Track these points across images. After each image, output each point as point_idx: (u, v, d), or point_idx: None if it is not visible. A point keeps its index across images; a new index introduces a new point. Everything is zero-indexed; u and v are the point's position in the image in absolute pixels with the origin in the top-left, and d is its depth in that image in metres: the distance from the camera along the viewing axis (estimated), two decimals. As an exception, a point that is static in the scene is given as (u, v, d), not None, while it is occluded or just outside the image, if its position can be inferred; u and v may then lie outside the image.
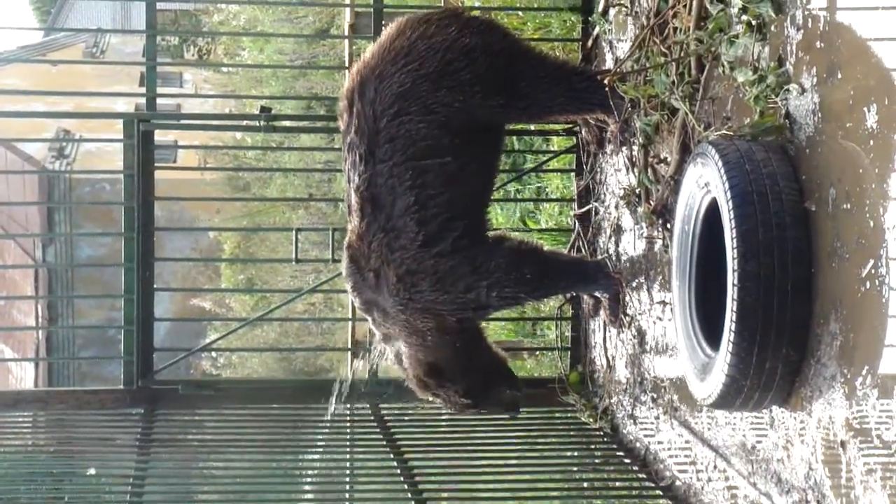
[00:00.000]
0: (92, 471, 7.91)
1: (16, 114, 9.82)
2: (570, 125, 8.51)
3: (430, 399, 7.38)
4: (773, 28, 5.39)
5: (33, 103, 18.50)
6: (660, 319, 7.02)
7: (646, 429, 7.41)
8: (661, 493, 7.12)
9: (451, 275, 6.92)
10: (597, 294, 7.83)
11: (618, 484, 7.68)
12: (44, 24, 46.49)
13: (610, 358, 7.99)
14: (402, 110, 6.71)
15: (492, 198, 7.72)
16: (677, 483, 6.94)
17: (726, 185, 5.08)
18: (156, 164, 8.47)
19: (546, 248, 7.63)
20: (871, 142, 4.58)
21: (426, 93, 6.76)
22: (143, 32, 9.02)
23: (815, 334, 4.96)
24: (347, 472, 8.03)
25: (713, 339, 5.38)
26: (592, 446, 8.12)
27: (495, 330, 11.18)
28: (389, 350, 7.33)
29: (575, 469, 8.05)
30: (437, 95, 6.76)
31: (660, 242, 6.95)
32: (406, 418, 8.48)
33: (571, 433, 8.37)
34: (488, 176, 7.35)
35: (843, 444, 4.79)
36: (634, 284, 7.41)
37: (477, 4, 10.53)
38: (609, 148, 7.83)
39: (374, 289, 6.99)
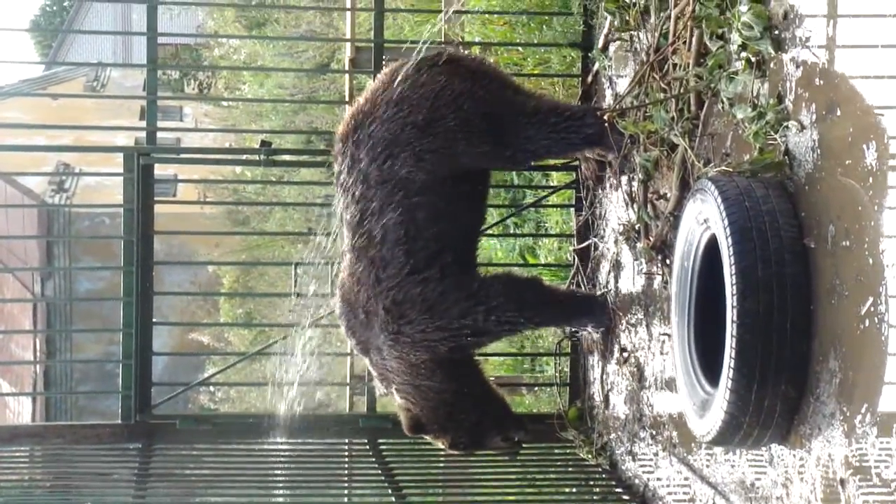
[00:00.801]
0: (89, 506, 7.88)
1: (16, 147, 9.81)
2: (570, 160, 8.52)
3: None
4: (772, 65, 5.40)
5: (34, 137, 18.53)
6: (659, 355, 7.00)
7: (645, 465, 7.38)
8: (659, 530, 7.10)
9: (443, 301, 6.97)
10: (589, 328, 7.87)
11: (616, 521, 7.67)
12: (45, 58, 46.61)
13: (609, 394, 7.97)
14: (392, 155, 6.82)
15: (483, 232, 7.78)
16: (676, 520, 6.91)
17: (726, 222, 5.08)
18: (155, 198, 8.48)
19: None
20: (871, 179, 4.58)
21: (415, 139, 6.87)
22: (143, 66, 9.04)
23: (814, 372, 4.95)
24: (345, 506, 8.02)
25: (712, 375, 5.37)
26: (591, 482, 8.10)
27: (494, 365, 11.15)
28: (383, 388, 7.37)
29: (573, 505, 8.03)
30: (425, 142, 6.86)
31: (659, 278, 6.95)
32: (404, 453, 8.45)
33: (570, 469, 8.35)
34: (477, 212, 7.44)
35: (842, 482, 4.77)
36: (633, 321, 7.40)
37: (477, 39, 10.56)
38: (607, 183, 7.83)
39: (366, 327, 7.04)
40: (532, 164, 8.37)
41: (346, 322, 7.17)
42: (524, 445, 7.92)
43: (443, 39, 10.67)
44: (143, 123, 8.88)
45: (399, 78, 6.96)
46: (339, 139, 7.06)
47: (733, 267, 4.98)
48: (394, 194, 6.85)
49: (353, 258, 7.02)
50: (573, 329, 8.38)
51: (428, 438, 7.45)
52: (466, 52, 9.19)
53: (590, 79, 8.43)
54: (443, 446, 7.44)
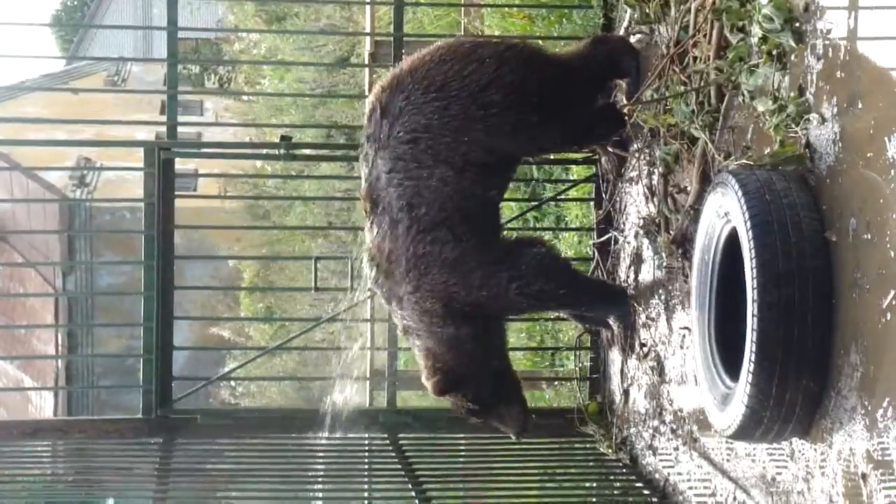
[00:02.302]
0: (111, 501, 7.91)
1: (37, 142, 9.85)
2: (590, 154, 8.51)
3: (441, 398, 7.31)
4: (793, 58, 5.38)
5: (55, 131, 18.61)
6: (679, 349, 6.99)
7: (665, 460, 7.37)
8: (680, 524, 7.09)
9: (464, 262, 6.93)
10: (609, 320, 7.84)
11: (637, 515, 7.66)
12: (66, 53, 46.71)
13: (629, 388, 7.96)
14: (418, 139, 6.76)
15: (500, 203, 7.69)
16: (697, 514, 6.90)
17: (746, 215, 5.06)
18: (176, 193, 8.49)
19: None
20: (893, 172, 4.56)
21: (452, 129, 6.80)
22: (164, 61, 9.05)
23: (835, 365, 4.93)
24: (366, 501, 8.02)
25: (733, 369, 5.36)
26: (611, 477, 8.09)
27: (514, 360, 11.14)
28: (407, 342, 7.33)
29: (594, 500, 8.01)
30: (460, 134, 6.80)
31: (679, 272, 6.93)
32: (424, 448, 8.46)
33: (590, 464, 8.34)
34: (499, 184, 7.36)
35: (864, 476, 4.76)
36: (653, 315, 7.38)
37: (497, 33, 10.54)
38: (627, 176, 7.82)
39: (389, 277, 7.02)
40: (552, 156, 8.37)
41: (374, 277, 7.14)
42: (544, 440, 7.92)
43: (462, 33, 10.68)
44: (164, 118, 8.89)
45: (451, 59, 6.90)
46: (374, 96, 6.99)
47: (754, 260, 4.97)
48: (412, 164, 6.82)
49: (376, 212, 7.00)
50: (594, 322, 8.37)
51: (447, 403, 7.34)
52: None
53: (610, 72, 8.40)
54: (455, 405, 7.32)
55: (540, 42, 9.83)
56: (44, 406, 26.14)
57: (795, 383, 4.98)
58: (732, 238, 5.41)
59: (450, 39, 7.21)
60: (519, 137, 6.93)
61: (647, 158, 7.37)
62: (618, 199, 8.13)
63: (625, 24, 7.95)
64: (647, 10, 7.34)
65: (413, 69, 6.92)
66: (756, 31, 5.62)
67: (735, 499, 6.24)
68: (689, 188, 6.65)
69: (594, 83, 7.44)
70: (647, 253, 7.53)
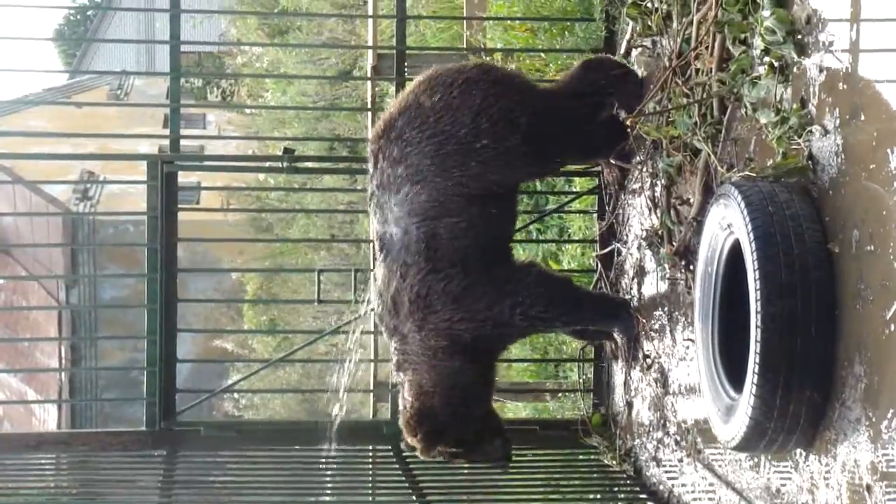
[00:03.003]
0: (114, 513, 7.91)
1: (41, 156, 9.84)
2: (592, 166, 8.52)
3: (417, 451, 7.29)
4: (795, 69, 5.39)
5: (58, 145, 18.59)
6: (683, 361, 6.99)
7: (669, 471, 7.37)
8: (684, 536, 7.09)
9: (469, 294, 6.95)
10: (614, 333, 7.86)
11: (641, 527, 7.65)
12: (69, 67, 46.78)
13: (632, 400, 7.96)
14: (423, 179, 6.80)
15: (513, 233, 7.73)
16: (701, 526, 6.89)
17: (749, 227, 5.07)
18: (179, 206, 8.50)
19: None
20: (895, 183, 4.56)
21: (450, 165, 6.83)
22: (167, 75, 9.07)
23: (839, 377, 4.93)
24: (369, 513, 8.02)
25: (737, 381, 5.36)
26: (615, 489, 8.08)
27: (518, 371, 11.16)
28: (397, 378, 7.33)
29: (598, 512, 8.02)
30: (458, 168, 6.84)
31: (682, 284, 6.93)
32: (429, 460, 8.44)
33: (594, 475, 8.33)
34: (507, 216, 7.38)
35: (868, 487, 4.76)
36: (657, 326, 7.39)
37: (499, 46, 10.55)
38: (630, 189, 7.83)
39: (393, 315, 7.05)
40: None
41: (378, 309, 7.18)
42: (548, 452, 7.91)
43: (465, 46, 10.69)
44: (167, 131, 8.91)
45: (434, 92, 6.93)
46: (372, 141, 7.05)
47: (757, 272, 4.97)
48: (421, 213, 6.86)
49: (383, 252, 7.04)
50: (595, 333, 8.38)
51: (434, 454, 7.34)
52: (491, 60, 9.16)
53: (612, 84, 8.41)
54: (441, 455, 7.31)
55: (542, 55, 9.89)
56: (47, 419, 26.14)
57: (799, 395, 4.98)
58: (735, 250, 5.41)
59: (428, 71, 7.22)
60: (516, 166, 6.97)
61: (650, 170, 7.37)
62: (621, 210, 8.13)
63: (627, 36, 7.97)
64: (650, 23, 7.34)
65: (402, 109, 6.97)
66: (758, 44, 5.63)
67: (739, 510, 6.24)
68: (691, 200, 6.66)
69: (586, 109, 7.45)
70: (651, 265, 7.53)
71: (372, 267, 7.30)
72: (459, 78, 6.99)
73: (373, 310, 7.63)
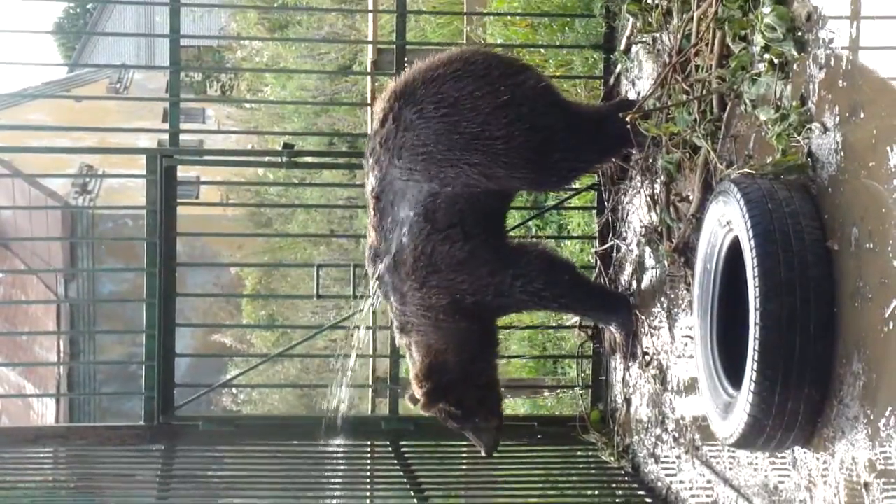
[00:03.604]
0: (112, 507, 7.91)
1: (40, 149, 9.87)
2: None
3: (419, 403, 7.29)
4: (795, 67, 5.39)
5: (57, 139, 18.60)
6: (681, 357, 6.99)
7: (667, 468, 7.37)
8: (682, 532, 7.09)
9: (472, 259, 7.00)
10: (612, 328, 7.86)
11: (639, 523, 7.65)
12: (68, 60, 46.76)
13: (631, 396, 7.96)
14: (429, 154, 6.79)
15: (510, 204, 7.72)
16: (699, 523, 6.90)
17: (748, 224, 5.06)
18: (178, 200, 8.49)
19: None
20: (895, 181, 4.56)
21: (457, 148, 6.81)
22: (166, 69, 9.05)
23: (837, 374, 4.94)
24: (367, 509, 8.03)
25: (735, 378, 5.36)
26: (613, 485, 8.08)
27: (516, 367, 11.15)
28: (402, 340, 7.33)
29: (596, 508, 8.02)
30: (466, 154, 6.82)
31: (681, 280, 6.93)
32: (426, 455, 8.46)
33: (592, 472, 8.34)
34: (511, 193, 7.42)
35: (866, 485, 4.76)
36: (655, 323, 7.39)
37: (500, 41, 10.55)
38: (629, 185, 7.83)
39: (392, 272, 7.05)
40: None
41: (373, 269, 7.17)
42: (546, 448, 7.91)
43: (465, 41, 10.69)
44: (166, 125, 8.90)
45: (465, 76, 6.90)
46: (388, 98, 6.99)
47: (756, 269, 4.97)
48: (422, 175, 6.86)
49: (375, 216, 7.06)
50: (595, 329, 8.39)
51: (432, 412, 7.33)
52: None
53: (612, 80, 8.42)
54: (438, 410, 7.30)
55: (542, 51, 9.88)
56: (45, 413, 26.17)
57: (797, 392, 4.98)
58: (734, 247, 5.41)
59: (466, 52, 7.17)
60: (514, 172, 6.95)
61: (650, 167, 7.37)
62: (620, 207, 8.13)
63: (627, 32, 7.97)
64: (650, 19, 7.34)
65: (427, 80, 6.91)
66: (758, 41, 5.63)
67: (737, 507, 6.24)
68: (691, 197, 6.66)
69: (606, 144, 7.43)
70: (650, 261, 7.53)
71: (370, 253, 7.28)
72: (494, 70, 6.96)
73: (372, 305, 7.63)
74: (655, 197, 7.28)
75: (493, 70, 6.93)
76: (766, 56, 5.56)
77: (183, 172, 8.96)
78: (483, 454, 7.44)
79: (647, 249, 7.54)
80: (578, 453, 8.46)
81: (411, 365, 7.31)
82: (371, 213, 7.10)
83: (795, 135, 5.31)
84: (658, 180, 7.18)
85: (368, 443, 8.52)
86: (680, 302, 6.98)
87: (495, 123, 6.79)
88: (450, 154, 6.78)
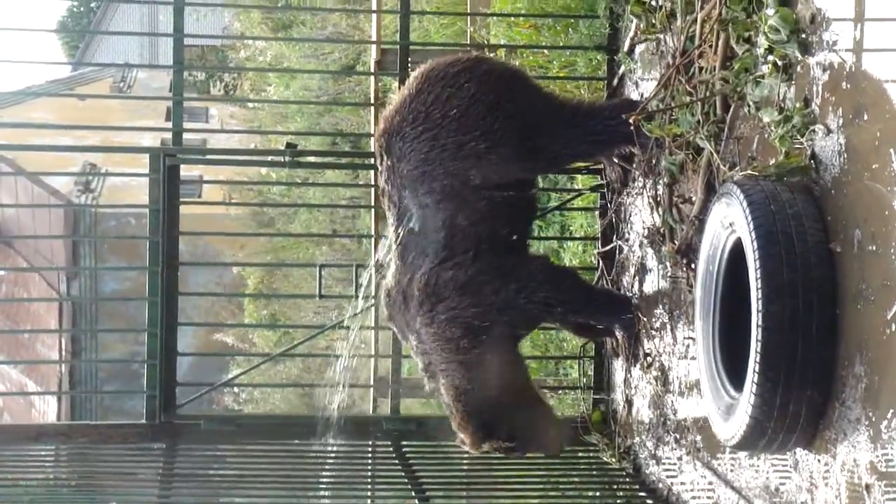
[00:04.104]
0: (113, 505, 7.91)
1: (43, 147, 9.84)
2: (595, 163, 8.51)
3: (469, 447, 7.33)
4: (799, 69, 5.39)
5: (60, 137, 18.59)
6: (683, 359, 6.99)
7: (669, 469, 7.37)
8: (683, 534, 7.09)
9: (475, 280, 7.02)
10: (615, 330, 7.87)
11: (640, 525, 7.65)
12: (72, 59, 46.78)
13: (632, 398, 7.96)
14: (425, 173, 6.83)
15: (529, 229, 7.73)
16: (700, 524, 6.89)
17: (751, 226, 5.06)
18: (181, 199, 8.49)
19: None
20: (898, 183, 4.57)
21: (447, 159, 6.88)
22: (170, 68, 9.05)
23: (839, 377, 4.93)
24: (369, 509, 8.02)
25: (737, 379, 5.36)
26: (615, 486, 8.08)
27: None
28: (430, 385, 7.36)
29: (597, 509, 8.02)
30: (456, 163, 6.89)
31: (683, 282, 6.93)
32: (428, 456, 8.46)
33: (593, 473, 8.33)
34: (522, 206, 7.40)
35: (867, 487, 4.76)
36: (657, 324, 7.38)
37: (503, 42, 10.55)
38: (632, 187, 7.82)
39: (404, 310, 7.07)
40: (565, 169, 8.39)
41: (388, 307, 7.22)
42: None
43: (468, 42, 10.69)
44: (169, 124, 8.90)
45: (427, 87, 6.95)
46: (378, 138, 7.11)
47: (758, 271, 4.97)
48: (429, 204, 6.92)
49: (396, 247, 7.10)
50: (597, 330, 8.39)
51: (486, 448, 7.34)
52: (492, 55, 9.15)
53: (615, 82, 8.42)
54: (495, 450, 7.34)
55: (545, 52, 9.88)
56: (47, 411, 26.16)
57: (799, 394, 4.98)
58: (737, 248, 5.41)
59: (423, 66, 7.25)
60: (506, 162, 6.98)
61: (652, 168, 7.36)
62: (622, 208, 8.13)
63: (630, 34, 7.97)
64: (654, 21, 7.34)
65: (399, 107, 7.03)
66: (762, 42, 5.63)
67: (738, 509, 6.24)
68: (693, 198, 6.65)
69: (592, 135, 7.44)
70: (652, 263, 7.53)
71: (375, 260, 7.30)
72: (451, 69, 7.02)
73: (372, 305, 7.65)
74: (658, 198, 7.28)
75: (450, 69, 6.99)
76: (770, 58, 5.56)
77: (186, 171, 8.96)
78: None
79: (650, 251, 7.53)
80: (579, 454, 8.46)
81: (448, 413, 7.32)
82: (395, 258, 7.17)
83: (799, 137, 5.31)
84: (661, 182, 7.18)
85: (370, 443, 8.52)
86: (682, 303, 6.98)
87: (472, 123, 6.84)
88: (445, 167, 6.83)
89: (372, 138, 7.23)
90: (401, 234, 7.04)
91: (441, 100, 6.93)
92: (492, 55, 8.46)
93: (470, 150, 6.87)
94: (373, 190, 8.96)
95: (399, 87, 8.48)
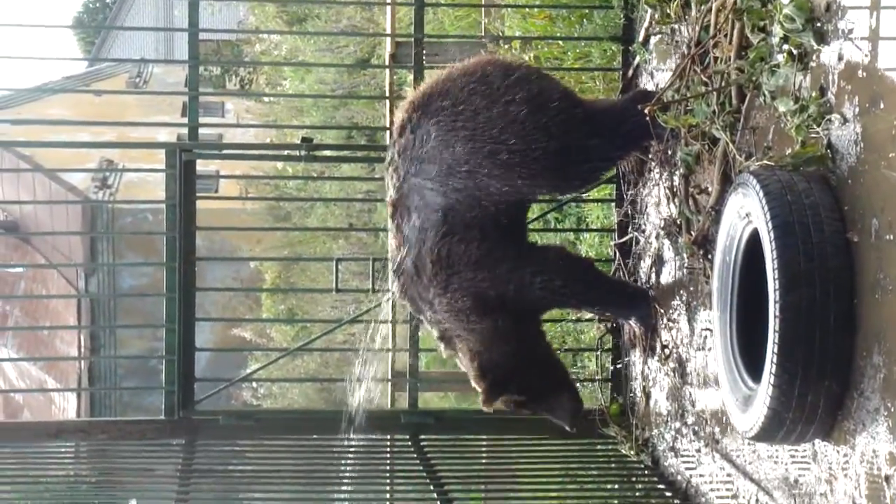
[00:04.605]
0: (133, 502, 7.92)
1: (60, 144, 9.85)
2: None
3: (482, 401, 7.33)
4: (814, 57, 5.37)
5: (77, 133, 18.67)
6: (701, 350, 6.97)
7: (687, 461, 7.35)
8: (702, 525, 7.08)
9: (490, 257, 7.03)
10: (631, 322, 7.86)
11: (659, 517, 7.64)
12: (88, 55, 46.89)
13: (650, 390, 7.94)
14: (444, 161, 6.82)
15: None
16: (719, 516, 6.88)
17: (768, 216, 5.05)
18: (197, 194, 8.50)
19: None
20: (915, 172, 4.55)
21: (474, 161, 6.83)
22: (185, 63, 9.07)
23: (857, 367, 4.92)
24: (387, 503, 8.02)
25: (755, 371, 5.34)
26: (633, 479, 8.07)
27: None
28: (447, 352, 7.37)
29: (616, 502, 8.00)
30: (483, 168, 6.84)
31: (700, 273, 6.91)
32: (446, 449, 8.46)
33: (612, 465, 8.33)
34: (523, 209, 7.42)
35: (887, 478, 4.74)
36: (675, 316, 7.37)
37: (518, 34, 10.53)
38: (648, 178, 7.81)
39: (416, 281, 7.06)
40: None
41: (399, 284, 7.20)
42: (565, 441, 7.90)
43: (483, 34, 10.67)
44: (185, 119, 8.91)
45: (481, 82, 6.91)
46: (405, 109, 7.05)
47: (775, 261, 4.95)
48: (451, 183, 6.89)
49: (403, 219, 7.09)
50: (614, 323, 8.38)
51: (498, 404, 7.36)
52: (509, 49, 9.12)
53: (630, 72, 8.40)
54: (507, 405, 7.36)
55: (560, 43, 9.85)
56: (67, 407, 26.24)
57: (817, 385, 4.96)
58: (754, 239, 5.39)
59: (483, 61, 7.15)
60: (534, 181, 6.96)
61: (668, 159, 7.35)
62: (639, 199, 8.11)
63: (645, 24, 7.94)
64: (668, 10, 7.32)
65: (444, 92, 6.94)
66: (777, 31, 5.60)
67: (757, 501, 6.22)
68: (710, 189, 6.64)
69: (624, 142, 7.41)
70: (669, 254, 7.51)
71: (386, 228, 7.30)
72: (511, 81, 6.95)
73: (390, 299, 7.65)
74: (674, 189, 7.26)
75: (510, 82, 6.93)
76: (786, 47, 5.54)
77: (202, 166, 8.97)
78: (567, 429, 7.49)
79: (666, 242, 7.52)
80: (598, 447, 8.45)
81: (467, 371, 7.32)
82: (389, 223, 7.12)
83: (815, 126, 5.29)
84: (677, 172, 7.16)
85: (388, 437, 8.53)
86: (699, 294, 6.96)
87: (513, 136, 6.79)
88: (468, 167, 6.81)
89: (387, 132, 7.19)
90: (402, 206, 7.02)
91: (491, 100, 6.85)
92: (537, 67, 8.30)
93: (501, 161, 6.81)
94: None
95: (414, 80, 8.49)
